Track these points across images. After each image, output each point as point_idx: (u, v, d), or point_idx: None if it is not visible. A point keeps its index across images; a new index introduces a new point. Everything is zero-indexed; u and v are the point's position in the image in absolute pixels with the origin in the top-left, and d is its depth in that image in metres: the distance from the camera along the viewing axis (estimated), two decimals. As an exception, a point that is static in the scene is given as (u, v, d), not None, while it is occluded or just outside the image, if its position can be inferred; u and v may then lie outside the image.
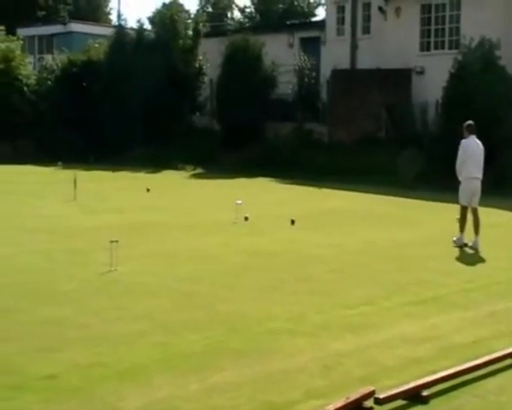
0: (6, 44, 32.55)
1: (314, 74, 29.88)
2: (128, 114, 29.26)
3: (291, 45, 32.53)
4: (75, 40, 37.98)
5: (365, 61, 28.29)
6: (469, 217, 13.01)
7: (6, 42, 32.72)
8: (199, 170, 27.33)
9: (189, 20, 33.72)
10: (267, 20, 53.20)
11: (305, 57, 29.82)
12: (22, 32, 39.25)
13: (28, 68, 34.37)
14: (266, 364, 6.64)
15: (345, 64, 29.06)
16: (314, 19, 48.74)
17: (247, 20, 60.91)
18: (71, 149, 28.21)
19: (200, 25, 33.14)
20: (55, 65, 33.84)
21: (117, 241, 10.07)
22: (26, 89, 32.58)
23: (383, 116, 26.10)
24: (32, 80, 33.42)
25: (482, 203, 13.45)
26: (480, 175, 12.94)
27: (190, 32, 32.48)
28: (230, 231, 13.96)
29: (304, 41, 32.36)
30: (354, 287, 9.63)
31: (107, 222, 14.40)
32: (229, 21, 61.03)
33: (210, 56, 31.74)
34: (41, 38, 42.21)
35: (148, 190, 20.14)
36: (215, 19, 54.79)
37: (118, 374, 6.33)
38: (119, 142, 28.99)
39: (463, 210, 13.01)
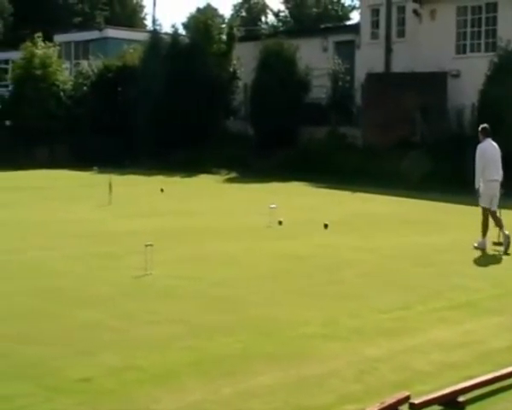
0: (43, 51, 32.96)
1: (348, 78, 29.80)
2: (162, 118, 29.44)
3: (325, 49, 32.45)
4: (110, 46, 38.32)
5: (400, 65, 28.13)
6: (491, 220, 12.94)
7: (43, 48, 33.11)
8: (233, 174, 27.40)
9: (223, 25, 33.84)
10: (301, 24, 53.27)
11: (339, 61, 29.75)
12: (59, 38, 39.75)
13: (65, 74, 34.77)
14: (300, 368, 6.62)
15: (379, 68, 28.91)
16: (348, 22, 48.69)
17: (280, 24, 61.02)
18: (106, 154, 28.45)
19: (234, 29, 33.23)
20: (91, 70, 34.19)
21: (151, 245, 10.13)
22: (62, 94, 32.96)
23: (418, 120, 25.90)
24: (69, 86, 33.80)
25: (506, 206, 13.36)
26: (499, 177, 12.91)
27: (224, 37, 32.59)
28: (264, 235, 13.96)
29: (338, 45, 32.29)
30: (388, 291, 9.57)
31: (141, 226, 14.49)
32: (263, 26, 61.15)
33: (244, 61, 31.80)
34: (77, 43, 42.66)
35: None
36: (249, 23, 54.96)
37: (151, 377, 6.35)
38: (153, 146, 29.19)
39: (485, 213, 12.93)
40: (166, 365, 6.67)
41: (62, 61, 36.36)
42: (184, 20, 78.50)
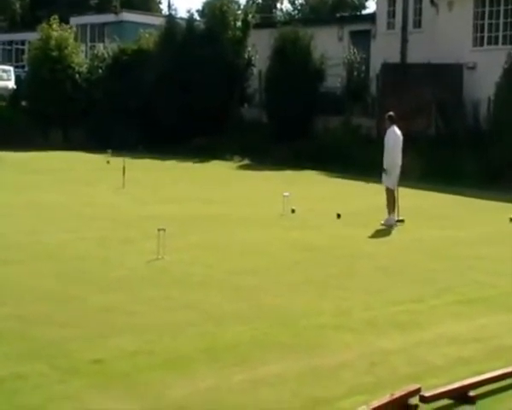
0: (59, 33, 32.96)
1: (363, 68, 29.67)
2: (177, 104, 29.41)
3: (340, 38, 32.30)
4: (126, 29, 38.28)
5: (416, 56, 27.96)
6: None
7: (59, 30, 33.12)
8: (246, 161, 27.39)
9: (239, 12, 33.70)
10: (317, 12, 53.01)
11: (355, 50, 29.62)
12: (75, 20, 39.73)
13: (80, 56, 34.77)
14: (312, 358, 6.66)
15: (395, 58, 28.76)
16: (364, 12, 48.45)
17: (296, 11, 60.76)
18: (120, 138, 28.46)
19: (250, 16, 33.08)
20: (106, 53, 34.17)
21: (164, 229, 10.20)
22: (78, 77, 32.97)
23: (433, 112, 25.80)
24: (84, 68, 33.78)
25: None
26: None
27: (240, 24, 32.49)
28: (278, 224, 13.98)
29: (354, 34, 32.11)
30: (402, 284, 9.58)
31: (155, 212, 14.53)
32: (278, 13, 60.92)
33: (259, 48, 31.68)
34: (93, 26, 42.63)
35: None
36: (264, 10, 54.76)
37: (164, 362, 6.42)
38: (168, 132, 29.18)
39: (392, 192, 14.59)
40: (179, 350, 6.73)
41: (78, 43, 36.36)
42: (200, 5, 78.45)
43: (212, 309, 8.03)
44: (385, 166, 14.42)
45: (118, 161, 20.48)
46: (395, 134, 14.40)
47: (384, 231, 13.60)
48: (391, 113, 14.66)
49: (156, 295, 8.50)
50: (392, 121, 14.47)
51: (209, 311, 7.96)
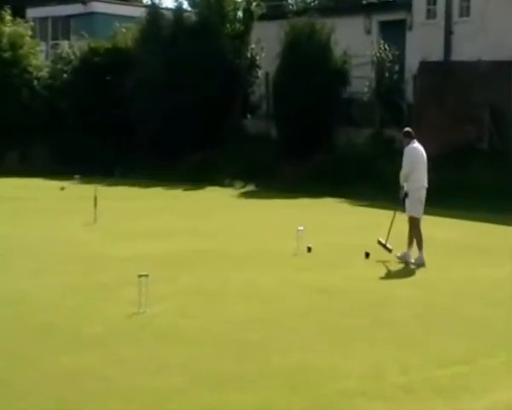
0: (13, 28, 33.25)
1: (397, 68, 29.85)
2: (164, 116, 29.61)
3: (368, 31, 32.55)
4: (97, 23, 38.71)
5: (463, 51, 28.14)
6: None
7: (13, 25, 33.41)
8: (251, 187, 27.51)
9: (240, 0, 34.05)
10: (338, -1, 53.32)
11: (386, 46, 29.82)
12: (33, 13, 40.25)
13: (40, 58, 35.09)
14: (335, 433, 6.68)
15: (437, 55, 28.96)
16: (398, -3, 48.64)
17: (312, -1, 61.16)
18: (92, 159, 28.66)
19: (254, 5, 33.42)
20: (73, 54, 34.47)
21: (147, 275, 10.24)
22: (36, 83, 33.23)
23: (486, 121, 25.91)
24: (45, 73, 34.09)
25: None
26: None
27: (241, 14, 32.80)
28: (290, 264, 14.04)
29: (384, 26, 32.37)
30: (447, 338, 9.59)
31: (137, 251, 14.63)
32: (289, 1, 61.36)
33: (265, 45, 31.96)
34: (55, 20, 43.04)
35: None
36: (272, -3, 55.12)
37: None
38: (152, 151, 29.38)
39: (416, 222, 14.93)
40: (167, 425, 6.76)
41: (37, 41, 36.69)
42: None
43: (206, 372, 8.05)
44: (405, 189, 15.00)
45: (88, 189, 20.59)
46: (416, 150, 15.05)
47: (419, 272, 13.65)
48: (408, 129, 15.56)
49: (137, 356, 8.54)
50: (411, 137, 15.17)
51: (203, 374, 7.98)
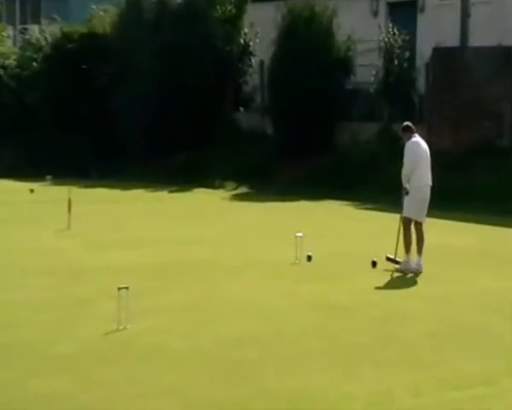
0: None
1: (407, 55, 29.85)
2: (146, 110, 29.60)
3: (375, 14, 32.57)
4: (71, 6, 38.73)
5: (481, 36, 28.15)
6: None
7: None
8: (244, 189, 27.51)
9: (231, -22, 34.05)
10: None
11: (395, 30, 29.82)
12: (-2, -7, 40.18)
13: (6, 44, 35.06)
14: None
15: (452, 40, 28.96)
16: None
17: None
18: (66, 159, 28.63)
19: (247, -16, 33.44)
20: (44, 39, 34.42)
21: (127, 287, 10.25)
22: (2, 72, 33.20)
23: (506, 115, 25.95)
24: (12, 61, 34.05)
25: None
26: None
27: (232, -5, 32.80)
28: (288, 274, 14.06)
29: (393, 7, 32.40)
30: (464, 357, 9.61)
31: (116, 261, 14.66)
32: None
33: (260, 29, 31.98)
34: (24, 2, 43.03)
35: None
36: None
37: None
38: (133, 149, 29.37)
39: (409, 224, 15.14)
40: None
41: (3, 25, 36.68)
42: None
43: (195, 397, 8.06)
44: (407, 188, 15.07)
45: (61, 192, 20.59)
46: (418, 144, 15.13)
47: (434, 283, 13.66)
48: (407, 123, 15.55)
49: (116, 378, 8.52)
50: (411, 132, 15.25)
51: (191, 399, 7.99)
